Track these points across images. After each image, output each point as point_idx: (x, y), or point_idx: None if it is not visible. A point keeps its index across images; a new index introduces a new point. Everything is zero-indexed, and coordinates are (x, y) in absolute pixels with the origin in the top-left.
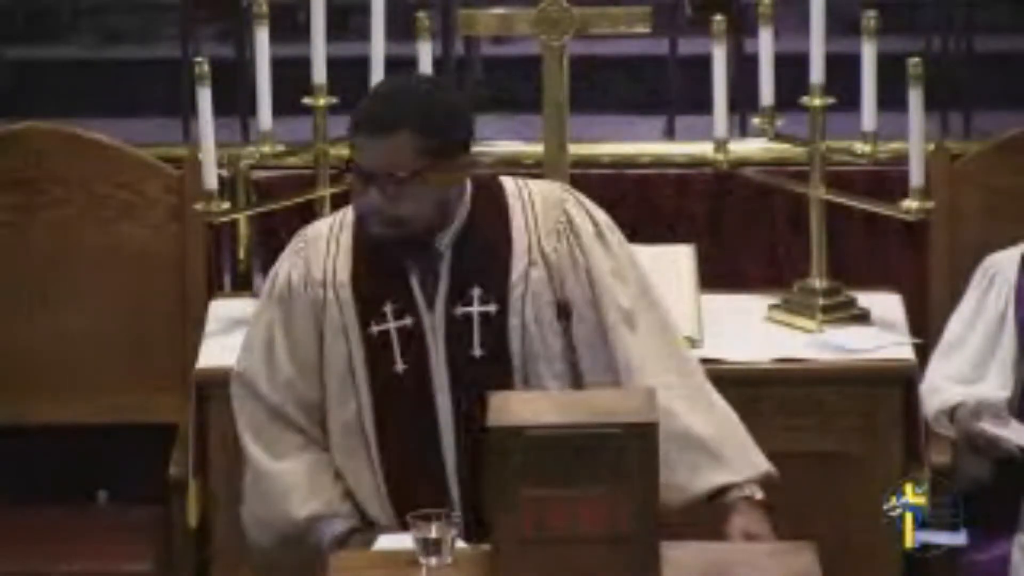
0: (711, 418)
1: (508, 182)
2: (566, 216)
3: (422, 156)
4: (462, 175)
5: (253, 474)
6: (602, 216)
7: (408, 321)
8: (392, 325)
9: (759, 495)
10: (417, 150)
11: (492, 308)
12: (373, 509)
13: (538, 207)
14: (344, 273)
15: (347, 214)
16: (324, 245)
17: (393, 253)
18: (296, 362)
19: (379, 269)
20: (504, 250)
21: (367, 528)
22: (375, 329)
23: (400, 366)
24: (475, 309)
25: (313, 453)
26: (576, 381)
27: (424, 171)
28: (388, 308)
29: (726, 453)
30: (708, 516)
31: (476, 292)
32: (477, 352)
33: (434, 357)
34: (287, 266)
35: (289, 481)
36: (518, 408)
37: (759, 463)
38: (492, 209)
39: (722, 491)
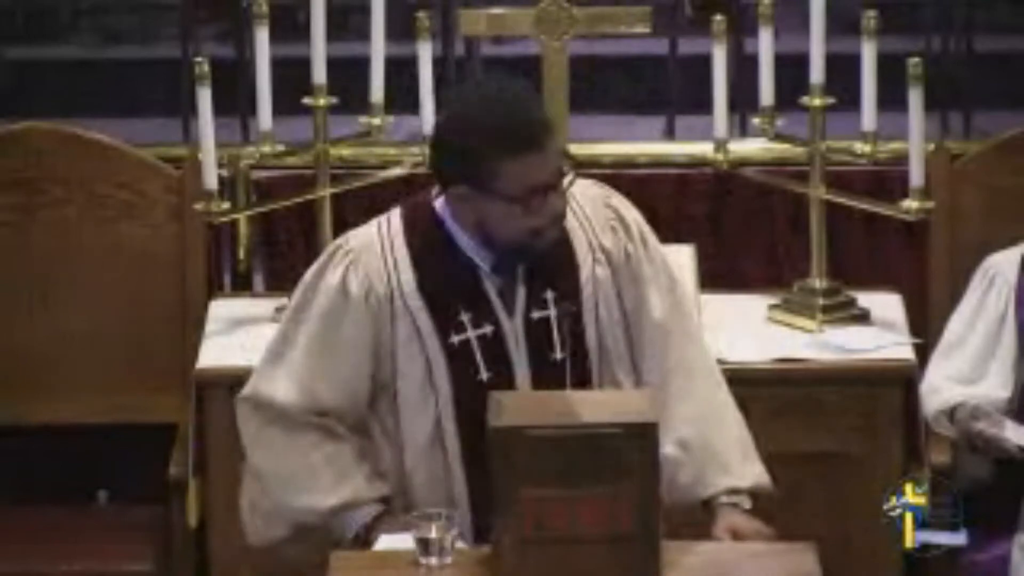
0: (722, 429)
1: None
2: (615, 212)
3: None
4: None
5: (259, 473)
6: (639, 214)
7: (487, 329)
8: (472, 334)
9: (746, 504)
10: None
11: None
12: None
13: (585, 206)
14: (409, 284)
15: (391, 224)
16: (380, 255)
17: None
18: (334, 374)
19: (450, 279)
20: (568, 251)
21: (392, 513)
22: (455, 339)
23: (484, 374)
24: (552, 312)
25: (332, 444)
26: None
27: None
28: (465, 318)
29: (731, 461)
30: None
31: (550, 295)
32: (558, 355)
33: (517, 363)
34: (339, 276)
35: (311, 472)
36: (518, 408)
37: (758, 472)
38: None
39: (716, 496)
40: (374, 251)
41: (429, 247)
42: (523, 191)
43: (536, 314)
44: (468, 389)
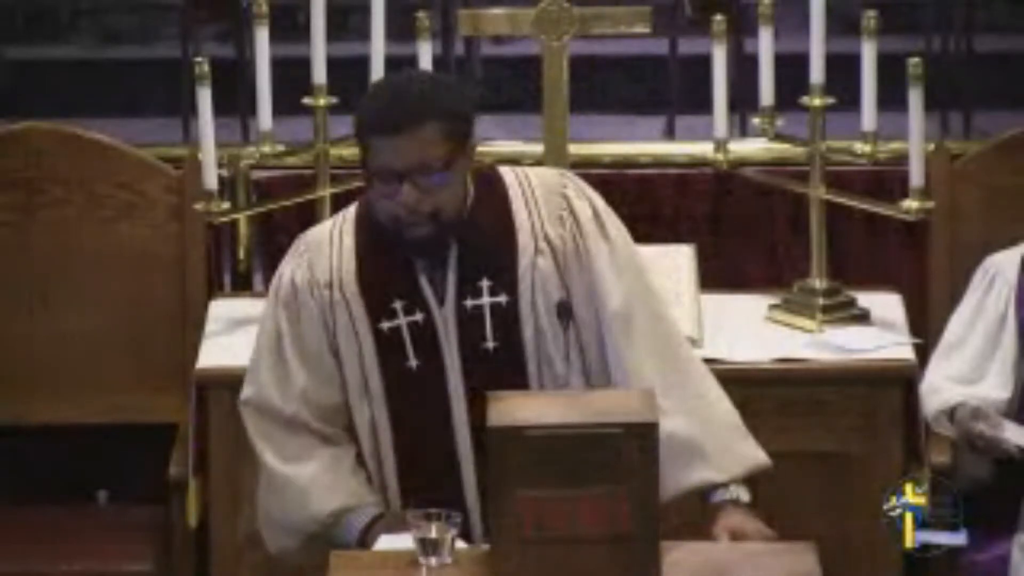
0: (698, 418)
1: (507, 172)
2: (567, 202)
3: (450, 143)
4: (474, 157)
5: (269, 480)
6: (600, 202)
7: (419, 317)
8: (403, 321)
9: (745, 498)
10: (445, 138)
11: (503, 299)
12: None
13: (538, 194)
14: (349, 273)
15: (346, 215)
16: (327, 248)
17: (428, 251)
18: (309, 368)
19: (385, 267)
20: (509, 240)
21: (392, 513)
22: (386, 326)
23: (413, 362)
24: (485, 301)
25: (329, 449)
26: (587, 376)
27: (454, 158)
28: (398, 305)
29: (710, 451)
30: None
31: (485, 284)
32: (490, 344)
33: (447, 352)
34: (289, 271)
35: (308, 480)
36: (518, 408)
37: (746, 457)
38: (493, 200)
39: (708, 490)
40: (324, 244)
41: (371, 237)
42: (375, 170)
43: (470, 302)
44: (396, 376)
